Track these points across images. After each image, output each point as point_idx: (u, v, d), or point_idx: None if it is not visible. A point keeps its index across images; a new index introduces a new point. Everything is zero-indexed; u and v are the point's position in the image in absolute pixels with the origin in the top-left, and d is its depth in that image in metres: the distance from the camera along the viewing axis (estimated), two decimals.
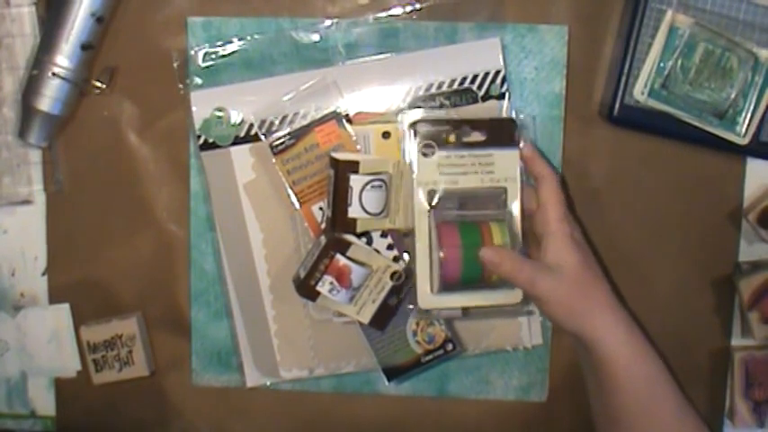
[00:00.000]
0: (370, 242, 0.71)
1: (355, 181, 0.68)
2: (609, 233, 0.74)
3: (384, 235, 0.71)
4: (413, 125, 0.68)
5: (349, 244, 0.69)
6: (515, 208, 0.68)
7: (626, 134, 0.73)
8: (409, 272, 0.70)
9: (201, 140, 0.73)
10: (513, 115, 0.72)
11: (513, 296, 0.68)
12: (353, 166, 0.68)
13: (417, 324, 0.72)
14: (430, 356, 0.73)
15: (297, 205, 0.72)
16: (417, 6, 0.72)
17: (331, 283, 0.70)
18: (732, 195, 0.74)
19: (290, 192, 0.72)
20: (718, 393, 0.76)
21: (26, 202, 0.76)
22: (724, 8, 0.68)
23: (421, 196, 0.68)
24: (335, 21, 0.73)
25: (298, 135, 0.71)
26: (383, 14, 0.73)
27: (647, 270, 0.75)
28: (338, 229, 0.69)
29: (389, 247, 0.71)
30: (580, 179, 0.74)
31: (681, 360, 0.75)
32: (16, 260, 0.77)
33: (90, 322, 0.76)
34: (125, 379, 0.76)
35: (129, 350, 0.75)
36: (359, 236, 0.70)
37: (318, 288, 0.70)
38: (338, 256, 0.69)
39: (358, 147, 0.71)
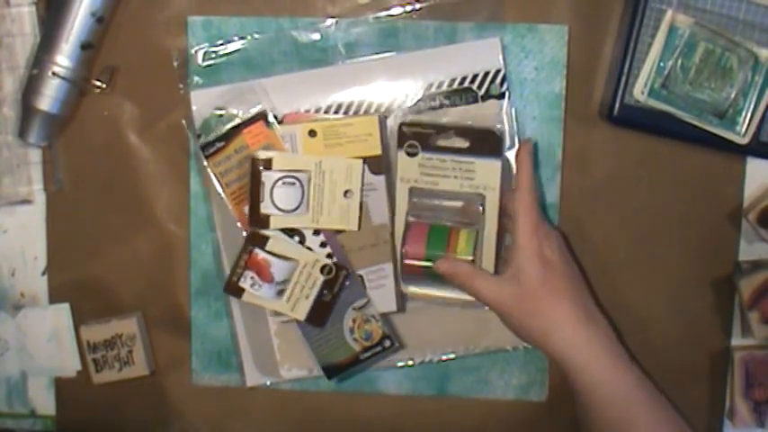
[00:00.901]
0: (303, 240, 0.71)
1: (267, 177, 0.69)
2: (608, 233, 0.74)
3: (317, 233, 0.71)
4: (402, 125, 0.70)
5: (267, 237, 0.70)
6: (492, 216, 0.69)
7: (626, 134, 0.73)
8: (340, 266, 0.71)
9: (202, 140, 0.73)
10: (513, 116, 0.72)
11: None
12: (266, 163, 0.69)
13: (354, 321, 0.72)
14: (368, 353, 0.72)
15: (230, 207, 0.72)
16: (417, 6, 0.72)
17: (252, 278, 0.70)
18: (732, 195, 0.74)
19: (222, 193, 0.72)
20: (718, 393, 0.76)
21: (26, 201, 0.76)
22: (724, 8, 0.68)
23: (401, 192, 0.70)
24: (335, 20, 0.73)
25: (227, 137, 0.71)
26: (383, 14, 0.73)
27: (646, 270, 0.75)
28: (253, 225, 0.70)
29: (323, 245, 0.71)
30: (580, 179, 0.74)
31: (681, 360, 0.75)
32: (16, 260, 0.77)
33: (90, 322, 0.76)
34: (125, 379, 0.76)
35: (129, 350, 0.75)
36: (291, 234, 0.70)
37: (241, 284, 0.70)
38: (256, 250, 0.70)
39: (286, 146, 0.71)
